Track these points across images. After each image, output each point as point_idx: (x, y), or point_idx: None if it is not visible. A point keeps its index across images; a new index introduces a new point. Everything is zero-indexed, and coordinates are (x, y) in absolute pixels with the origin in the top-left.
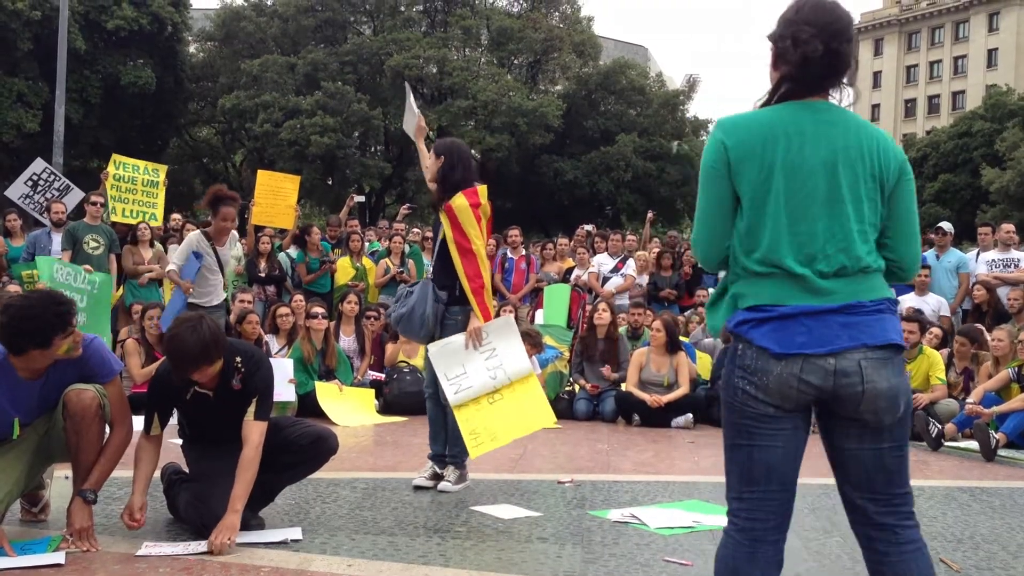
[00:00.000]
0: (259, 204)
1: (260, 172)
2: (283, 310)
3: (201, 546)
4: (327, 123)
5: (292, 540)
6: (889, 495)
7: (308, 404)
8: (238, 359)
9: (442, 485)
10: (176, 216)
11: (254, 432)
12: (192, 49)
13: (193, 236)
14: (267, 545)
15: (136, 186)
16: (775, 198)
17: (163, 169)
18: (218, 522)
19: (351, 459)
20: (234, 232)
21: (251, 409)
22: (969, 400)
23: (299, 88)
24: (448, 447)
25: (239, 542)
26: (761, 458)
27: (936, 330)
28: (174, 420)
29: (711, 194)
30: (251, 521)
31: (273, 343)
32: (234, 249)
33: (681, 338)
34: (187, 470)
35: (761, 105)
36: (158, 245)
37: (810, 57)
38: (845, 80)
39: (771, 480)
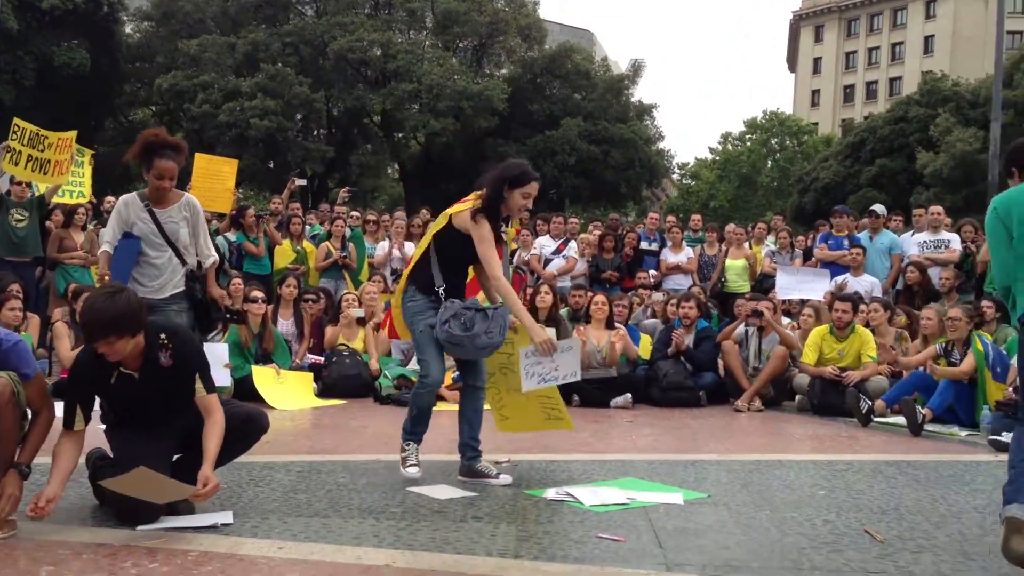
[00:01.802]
0: (196, 188)
1: (197, 155)
2: (218, 293)
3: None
4: (268, 105)
5: (222, 524)
6: None
7: (245, 389)
8: (163, 336)
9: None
10: (111, 199)
11: (213, 403)
12: (128, 29)
13: (121, 202)
14: (196, 529)
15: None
16: None
17: (88, 152)
18: (143, 507)
19: (287, 442)
20: (188, 196)
21: (199, 386)
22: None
23: (239, 69)
24: (475, 434)
25: (165, 527)
26: None
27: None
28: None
29: None
30: (179, 505)
31: None
32: (192, 216)
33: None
34: (112, 455)
35: None
36: (91, 228)
37: None
38: None
39: None
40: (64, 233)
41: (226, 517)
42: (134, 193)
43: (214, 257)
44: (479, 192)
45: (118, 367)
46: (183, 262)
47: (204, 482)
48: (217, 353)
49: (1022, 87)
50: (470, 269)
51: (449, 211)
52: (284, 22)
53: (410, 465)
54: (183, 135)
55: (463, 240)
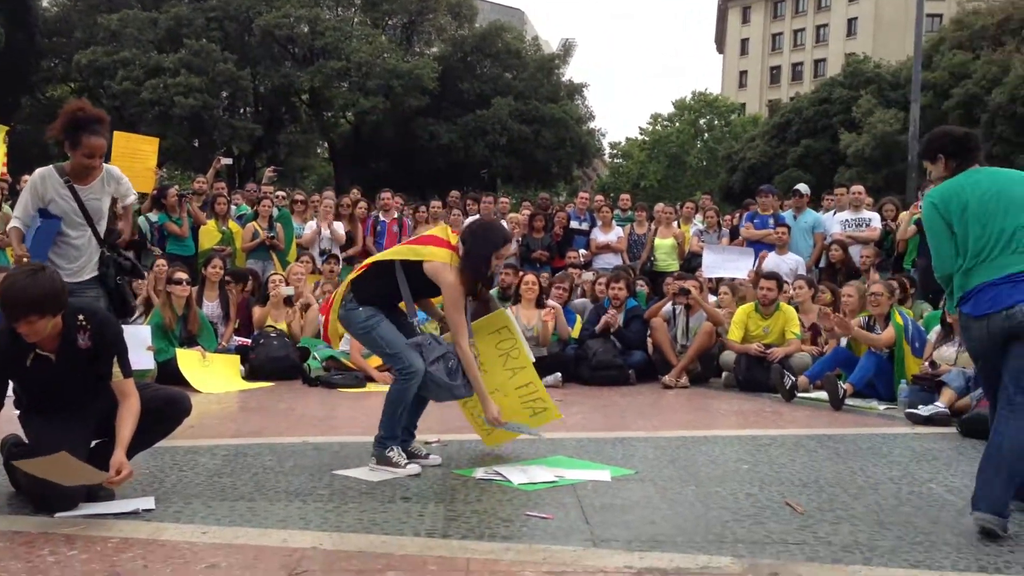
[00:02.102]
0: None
1: (116, 134)
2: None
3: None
4: (192, 83)
5: (144, 510)
6: None
7: (169, 372)
8: (81, 317)
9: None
10: (26, 178)
11: (128, 387)
12: (46, 3)
13: (38, 176)
14: (116, 516)
15: None
16: None
17: (2, 129)
18: (59, 495)
19: (212, 426)
20: (107, 168)
21: (116, 370)
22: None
23: (161, 45)
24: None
25: (84, 513)
26: None
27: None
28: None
29: None
30: (99, 491)
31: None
32: (115, 187)
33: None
34: (28, 441)
35: None
36: (5, 207)
37: None
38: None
39: None
40: None
41: (147, 503)
42: (51, 167)
43: (133, 196)
44: (457, 243)
45: (34, 349)
46: (100, 243)
47: (117, 468)
48: (139, 336)
49: (941, 69)
50: None
51: (421, 251)
52: None
53: (406, 463)
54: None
55: (429, 282)
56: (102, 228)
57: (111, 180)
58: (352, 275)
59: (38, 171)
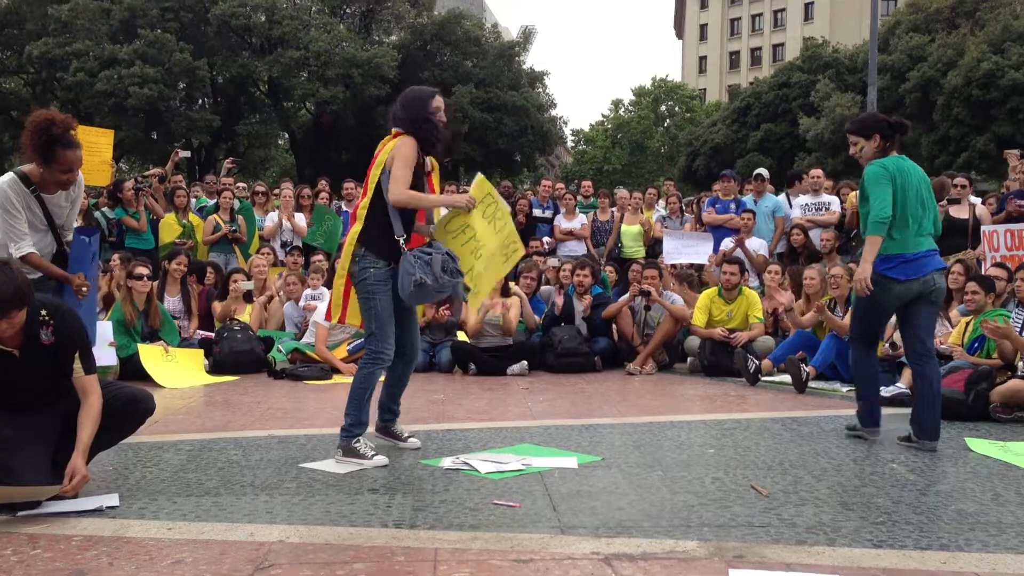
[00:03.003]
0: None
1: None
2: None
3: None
4: (147, 73)
5: (108, 507)
6: None
7: (131, 367)
8: (43, 312)
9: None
10: None
11: (90, 384)
12: None
13: (9, 190)
14: (80, 514)
15: None
16: None
17: None
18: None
19: (177, 421)
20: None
21: (78, 365)
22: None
23: (115, 36)
24: (396, 399)
25: (48, 512)
26: None
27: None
28: None
29: None
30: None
31: None
32: (77, 192)
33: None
34: None
35: None
36: None
37: None
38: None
39: None
40: None
41: (112, 500)
42: (12, 176)
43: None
44: (396, 131)
45: None
46: (60, 243)
47: (71, 474)
48: (101, 331)
49: (897, 52)
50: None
51: (379, 161)
52: None
53: (373, 454)
54: (58, 105)
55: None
56: (65, 227)
57: (76, 187)
58: (354, 229)
59: (6, 185)
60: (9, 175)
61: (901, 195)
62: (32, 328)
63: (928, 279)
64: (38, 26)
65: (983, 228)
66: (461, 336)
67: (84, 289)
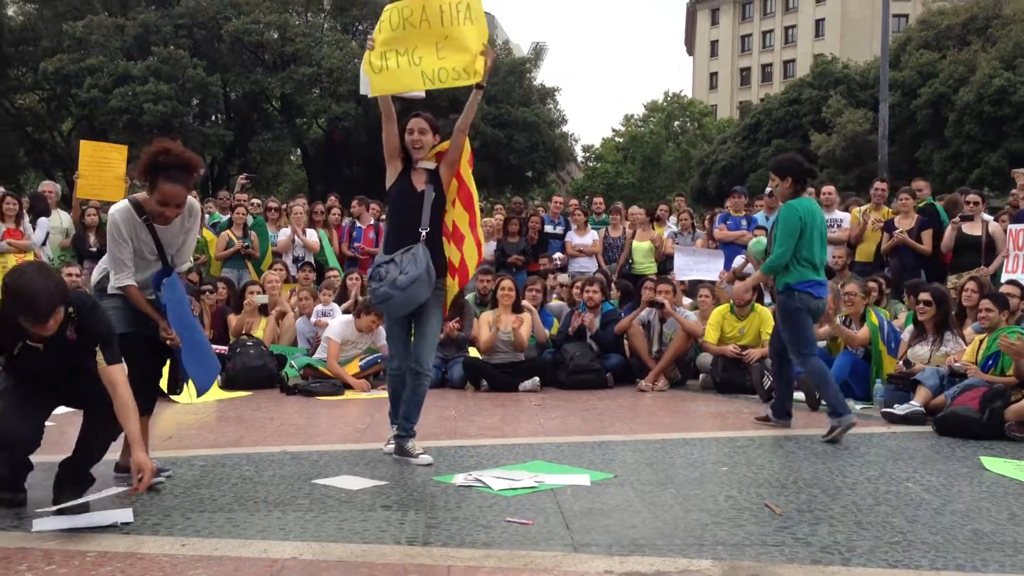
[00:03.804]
0: (84, 176)
1: (83, 143)
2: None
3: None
4: (161, 90)
5: (122, 523)
6: None
7: None
8: (70, 308)
9: (388, 448)
10: None
11: (116, 376)
12: (11, 12)
13: (121, 218)
14: (94, 529)
15: None
16: None
17: None
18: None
19: (190, 436)
20: (189, 201)
21: (100, 357)
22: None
23: (129, 52)
24: (411, 415)
25: (62, 528)
26: None
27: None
28: None
29: None
30: (75, 504)
31: None
32: (190, 222)
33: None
34: None
35: None
36: None
37: None
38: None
39: None
40: None
41: (126, 515)
42: (127, 204)
43: (188, 264)
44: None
45: (23, 339)
46: (167, 268)
47: (139, 470)
48: None
49: (908, 69)
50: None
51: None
52: (175, 3)
53: (389, 443)
54: (73, 121)
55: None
56: (178, 258)
57: (190, 216)
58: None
59: (117, 212)
60: (124, 202)
61: (809, 234)
62: (62, 324)
63: (822, 301)
64: (53, 42)
65: (1010, 227)
66: (473, 352)
67: (172, 340)
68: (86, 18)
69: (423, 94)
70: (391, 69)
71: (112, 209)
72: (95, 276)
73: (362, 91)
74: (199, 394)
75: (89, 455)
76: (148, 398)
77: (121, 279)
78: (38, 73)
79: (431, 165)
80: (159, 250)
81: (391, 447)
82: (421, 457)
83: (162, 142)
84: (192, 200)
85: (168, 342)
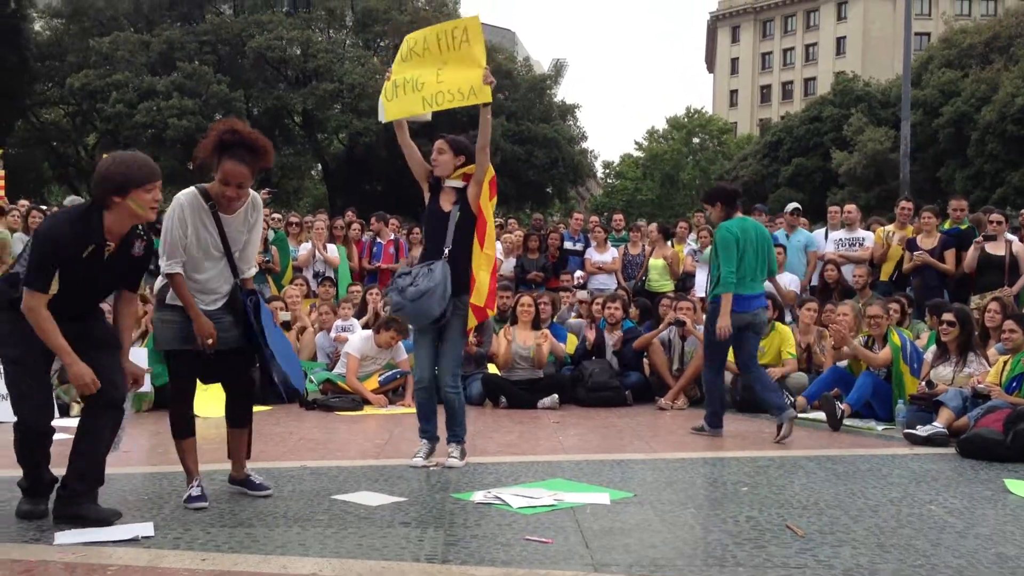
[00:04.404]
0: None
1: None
2: None
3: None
4: (185, 105)
5: (143, 536)
6: None
7: (166, 396)
8: (140, 227)
9: (448, 462)
10: (24, 202)
11: (134, 298)
12: (38, 27)
13: (186, 201)
14: (115, 543)
15: None
16: None
17: None
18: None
19: (211, 450)
20: (253, 195)
21: (134, 281)
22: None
23: (153, 68)
24: (456, 427)
25: (83, 541)
26: None
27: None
28: None
29: None
30: (100, 514)
31: None
32: (255, 217)
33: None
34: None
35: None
36: (4, 232)
37: None
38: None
39: None
40: None
41: (147, 529)
42: (193, 190)
43: (254, 270)
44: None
45: (96, 243)
46: (234, 274)
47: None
48: (137, 358)
49: (930, 87)
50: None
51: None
52: (199, 20)
53: (415, 456)
54: (97, 136)
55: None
56: (243, 257)
57: (254, 210)
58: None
59: (182, 197)
60: (191, 188)
61: (742, 252)
62: (130, 236)
63: (756, 312)
64: (79, 58)
65: None
66: (492, 369)
67: (210, 341)
68: (112, 34)
69: (428, 117)
70: (399, 97)
71: (178, 194)
72: (158, 283)
73: (379, 118)
74: (296, 396)
75: (95, 446)
76: (244, 411)
77: (172, 265)
78: (64, 88)
79: (458, 184)
80: (224, 246)
81: (417, 460)
82: (414, 460)
83: (229, 121)
84: (255, 194)
85: (204, 347)
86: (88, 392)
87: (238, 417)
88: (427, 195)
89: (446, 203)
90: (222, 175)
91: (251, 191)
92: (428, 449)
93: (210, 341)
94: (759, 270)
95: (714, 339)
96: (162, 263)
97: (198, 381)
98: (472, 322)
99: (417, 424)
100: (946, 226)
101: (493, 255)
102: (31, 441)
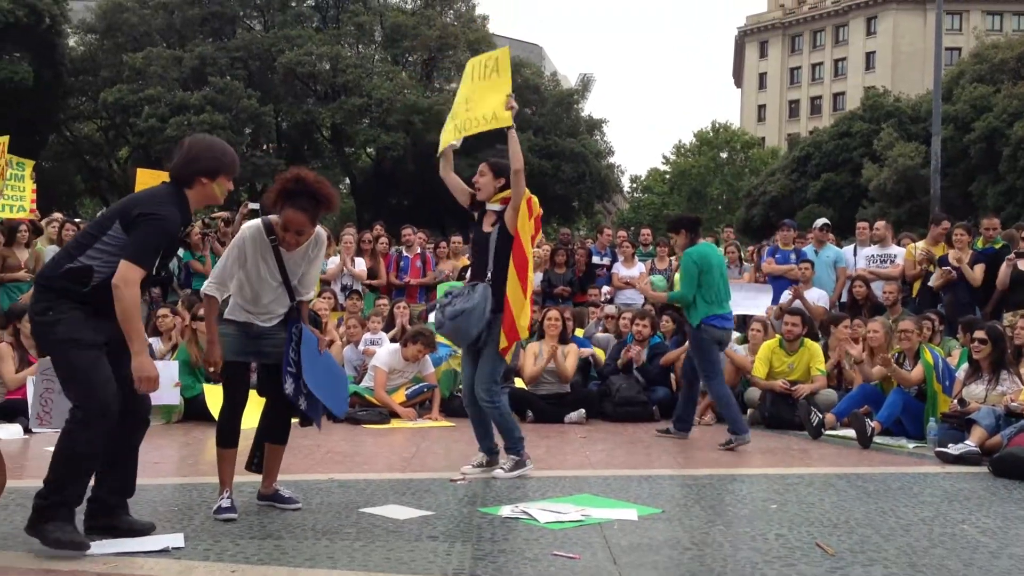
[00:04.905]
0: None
1: (139, 170)
2: (162, 311)
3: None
4: (216, 120)
5: (173, 547)
6: None
7: (196, 408)
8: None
9: (495, 472)
10: (57, 216)
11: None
12: (72, 42)
13: (251, 235)
14: (146, 554)
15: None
16: None
17: (29, 164)
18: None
19: (239, 463)
20: (318, 232)
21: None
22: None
23: (185, 83)
24: (503, 439)
25: (115, 551)
26: None
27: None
28: None
29: None
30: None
31: (156, 345)
32: (315, 252)
33: (577, 332)
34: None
35: None
36: (37, 244)
37: None
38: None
39: None
40: (7, 251)
41: (177, 540)
42: (259, 224)
43: (312, 293)
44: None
45: (185, 224)
46: (291, 299)
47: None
48: (167, 372)
49: (961, 102)
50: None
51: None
52: (231, 36)
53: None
54: (130, 150)
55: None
56: (301, 286)
57: (316, 247)
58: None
59: (246, 229)
60: (257, 221)
61: (708, 275)
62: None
63: (728, 330)
64: (113, 73)
65: None
66: (519, 383)
67: (212, 369)
68: (145, 50)
69: (459, 143)
70: (446, 131)
71: (246, 224)
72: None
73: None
74: (338, 417)
75: (129, 457)
76: (285, 429)
77: (210, 287)
78: (97, 103)
79: (497, 208)
80: (283, 276)
81: (465, 467)
82: (459, 482)
83: (297, 170)
84: (320, 230)
85: (211, 370)
86: (146, 389)
87: (278, 434)
88: (475, 216)
89: (487, 226)
90: (283, 222)
91: (318, 229)
92: (479, 460)
93: (212, 369)
94: (724, 292)
95: (703, 357)
96: (208, 282)
97: (253, 393)
98: (503, 342)
99: (444, 437)
100: (979, 245)
101: (526, 282)
102: (102, 432)
